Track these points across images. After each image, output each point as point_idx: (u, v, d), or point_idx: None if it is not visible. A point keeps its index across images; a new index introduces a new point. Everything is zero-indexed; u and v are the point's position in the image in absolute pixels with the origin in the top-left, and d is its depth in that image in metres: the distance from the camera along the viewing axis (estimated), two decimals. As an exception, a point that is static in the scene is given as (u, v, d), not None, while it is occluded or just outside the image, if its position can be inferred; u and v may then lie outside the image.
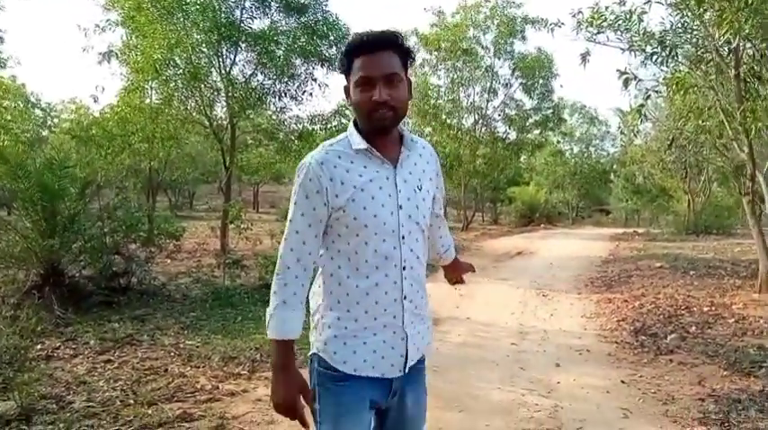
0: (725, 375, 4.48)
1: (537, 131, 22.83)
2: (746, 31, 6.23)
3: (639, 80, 7.80)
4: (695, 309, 6.61)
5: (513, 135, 22.43)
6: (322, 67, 10.85)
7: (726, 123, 7.54)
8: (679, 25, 7.47)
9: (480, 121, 21.75)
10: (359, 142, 1.65)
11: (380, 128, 1.63)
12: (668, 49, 7.45)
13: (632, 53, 8.09)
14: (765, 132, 6.89)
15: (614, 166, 33.42)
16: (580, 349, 5.27)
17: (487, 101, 21.47)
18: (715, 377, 4.44)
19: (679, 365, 4.78)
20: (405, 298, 1.68)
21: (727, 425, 3.58)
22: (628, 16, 7.77)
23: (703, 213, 19.46)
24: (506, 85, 21.37)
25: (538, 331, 5.95)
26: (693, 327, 5.86)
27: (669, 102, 9.12)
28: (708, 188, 20.16)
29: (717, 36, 6.70)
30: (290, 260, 1.65)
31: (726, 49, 7.14)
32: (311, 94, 11.01)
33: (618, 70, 7.65)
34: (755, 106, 6.67)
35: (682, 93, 7.26)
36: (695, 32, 7.50)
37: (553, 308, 7.14)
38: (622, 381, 4.39)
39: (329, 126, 11.29)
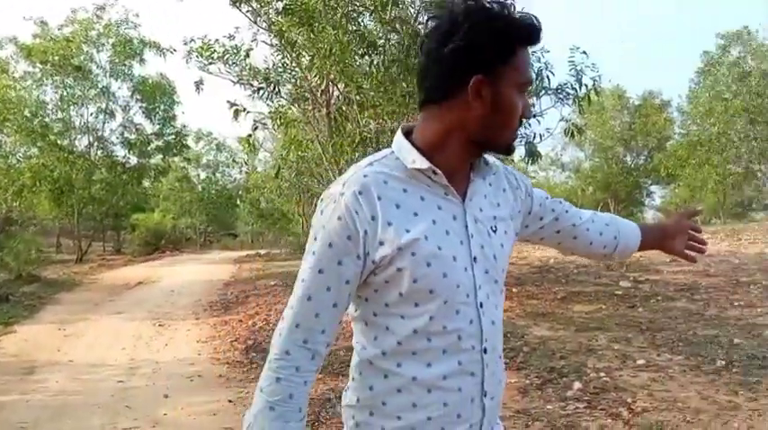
0: (319, 378, 4.99)
1: (160, 157, 22.28)
2: (332, 76, 7.23)
3: (249, 112, 8.32)
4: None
5: (133, 160, 21.45)
6: None
7: (322, 154, 8.58)
8: (280, 65, 8.24)
9: (96, 144, 20.18)
10: (414, 158, 1.11)
11: (514, 149, 1.21)
12: (272, 85, 8.13)
13: (242, 86, 8.61)
14: (351, 163, 8.06)
15: (240, 192, 34.81)
16: (192, 376, 5.25)
17: (104, 122, 20.11)
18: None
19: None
20: (485, 395, 1.16)
21: (317, 423, 4.01)
22: (235, 51, 8.22)
23: (315, 233, 21.62)
24: (125, 107, 20.40)
25: (150, 364, 5.73)
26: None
27: (275, 133, 9.98)
28: (319, 211, 22.51)
29: (310, 78, 7.60)
30: (292, 341, 1.10)
31: (319, 89, 8.15)
32: None
33: (228, 101, 8.02)
34: (343, 141, 7.76)
35: (284, 126, 7.99)
36: (294, 73, 8.38)
37: (169, 337, 6.98)
38: (230, 401, 4.53)
39: None
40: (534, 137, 8.68)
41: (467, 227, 1.14)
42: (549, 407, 3.98)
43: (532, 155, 8.71)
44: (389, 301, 1.11)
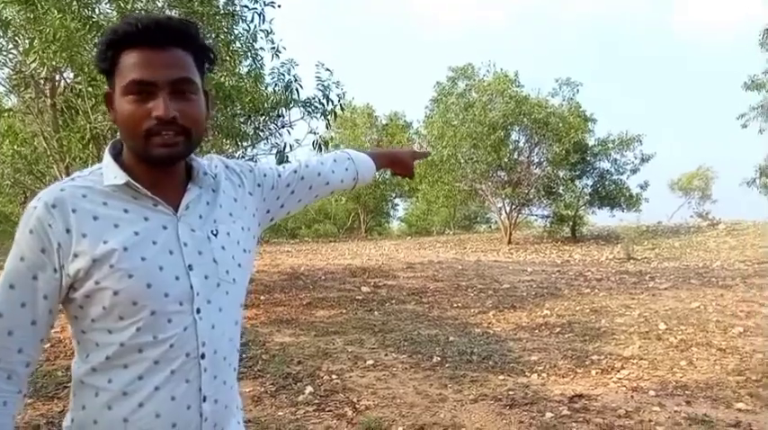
0: (29, 403, 4.38)
1: None
2: (57, 63, 6.44)
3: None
4: None
5: None
6: None
7: (47, 150, 7.59)
8: (-6, 44, 7.11)
9: None
10: (115, 174, 1.11)
11: (163, 158, 1.10)
12: (-18, 66, 6.97)
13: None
14: (80, 162, 7.28)
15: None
16: None
17: None
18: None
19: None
20: (204, 399, 1.14)
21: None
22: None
23: None
24: None
25: None
26: None
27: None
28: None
29: (29, 63, 6.68)
30: None
31: (41, 77, 7.21)
32: None
33: None
34: (71, 137, 6.96)
35: (-4, 115, 6.90)
36: (12, 56, 7.29)
37: None
38: None
39: None
40: (285, 147, 8.81)
41: (179, 236, 1.13)
42: (280, 413, 4.01)
43: (282, 164, 8.82)
44: (95, 317, 1.08)
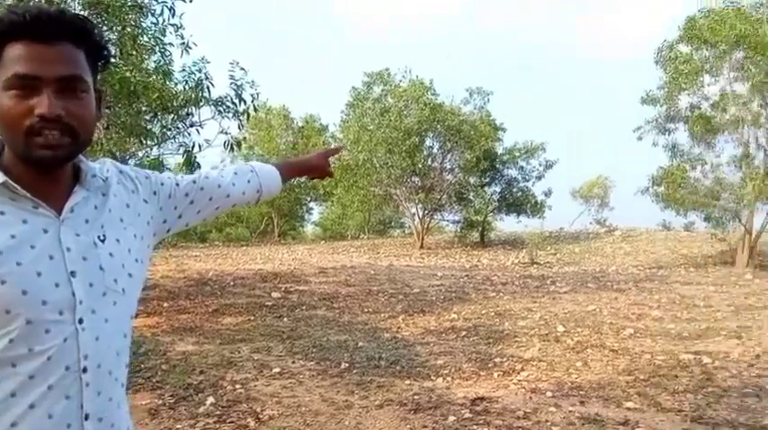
0: None
1: None
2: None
3: None
4: None
5: None
6: None
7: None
8: None
9: None
10: None
11: (46, 161, 1.02)
12: None
13: None
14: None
15: None
16: None
17: None
18: None
19: None
20: (87, 417, 1.04)
21: None
22: None
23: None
24: None
25: None
26: None
27: None
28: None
29: None
30: None
31: None
32: None
33: None
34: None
35: None
36: None
37: None
38: None
39: None
40: (193, 147, 8.53)
41: (60, 241, 1.04)
42: (178, 426, 3.85)
43: (190, 164, 8.54)
44: None
